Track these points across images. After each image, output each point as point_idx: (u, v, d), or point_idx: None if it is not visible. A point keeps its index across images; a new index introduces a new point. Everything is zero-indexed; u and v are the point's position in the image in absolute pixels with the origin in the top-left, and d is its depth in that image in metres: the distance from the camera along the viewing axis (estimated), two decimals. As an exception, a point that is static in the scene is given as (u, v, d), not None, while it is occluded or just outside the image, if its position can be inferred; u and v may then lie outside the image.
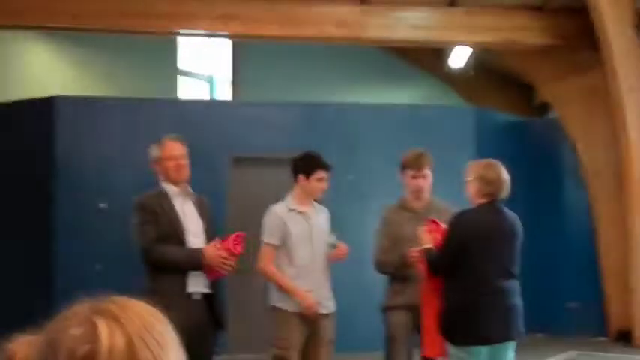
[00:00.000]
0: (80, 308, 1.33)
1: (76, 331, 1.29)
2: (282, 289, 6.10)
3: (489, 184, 5.42)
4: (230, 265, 5.70)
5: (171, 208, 5.83)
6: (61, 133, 9.84)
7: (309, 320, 6.09)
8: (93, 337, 1.28)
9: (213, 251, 5.67)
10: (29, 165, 10.00)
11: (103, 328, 1.29)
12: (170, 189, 5.89)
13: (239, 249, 5.69)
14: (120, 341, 1.28)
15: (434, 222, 5.76)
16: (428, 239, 5.62)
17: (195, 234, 5.86)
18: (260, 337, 9.54)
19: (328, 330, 6.21)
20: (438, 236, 5.60)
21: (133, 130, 9.84)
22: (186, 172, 5.94)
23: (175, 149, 5.93)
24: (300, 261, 6.12)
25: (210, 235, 5.88)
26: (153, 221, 5.76)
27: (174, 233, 5.78)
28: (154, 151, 5.96)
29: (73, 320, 1.31)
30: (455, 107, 13.03)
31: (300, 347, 6.09)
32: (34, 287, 9.82)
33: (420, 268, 5.75)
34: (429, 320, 5.60)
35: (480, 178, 5.46)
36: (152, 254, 5.73)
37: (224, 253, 5.66)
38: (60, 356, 1.28)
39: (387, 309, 6.29)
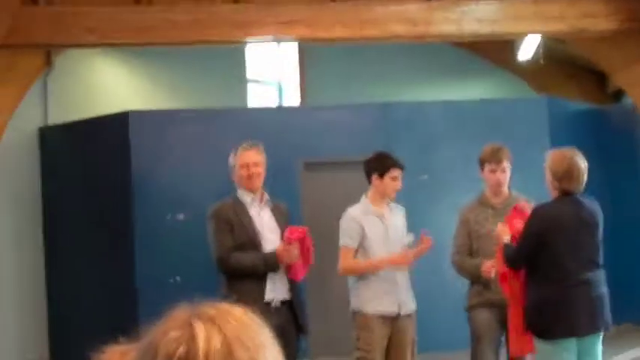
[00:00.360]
0: (179, 313, 1.38)
1: (174, 334, 1.34)
2: (371, 270, 6.09)
3: (562, 175, 5.36)
4: (295, 254, 5.78)
5: (247, 216, 5.87)
6: (136, 147, 9.98)
7: (391, 322, 6.11)
8: (190, 339, 1.32)
9: (281, 249, 5.74)
10: (107, 181, 10.16)
11: (201, 330, 1.33)
12: (245, 196, 5.93)
13: (295, 236, 5.81)
14: (216, 342, 1.32)
15: (517, 209, 5.72)
16: (506, 234, 5.57)
17: (272, 241, 5.91)
18: (342, 341, 9.53)
19: (410, 330, 6.22)
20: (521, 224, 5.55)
21: (206, 141, 9.94)
22: (258, 180, 5.96)
23: (247, 157, 5.96)
24: (379, 262, 6.14)
25: None
26: (227, 230, 5.80)
27: (250, 242, 5.82)
28: (230, 159, 6.02)
29: (171, 324, 1.36)
30: (527, 98, 12.84)
31: (383, 349, 6.10)
32: (116, 299, 9.98)
33: (500, 279, 5.73)
34: (515, 319, 5.54)
35: (552, 171, 5.40)
36: (228, 263, 5.78)
37: (286, 246, 5.74)
38: (158, 358, 1.32)
39: (470, 308, 6.27)
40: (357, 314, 6.16)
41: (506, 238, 5.54)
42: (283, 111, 12.19)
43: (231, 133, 9.93)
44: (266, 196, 6.04)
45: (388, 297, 6.11)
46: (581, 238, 5.36)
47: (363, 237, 6.13)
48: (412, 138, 10.42)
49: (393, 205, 6.40)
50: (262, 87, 14.04)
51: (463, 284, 6.45)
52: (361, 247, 6.14)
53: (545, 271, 5.31)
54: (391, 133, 10.39)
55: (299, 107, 13.20)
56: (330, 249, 6.33)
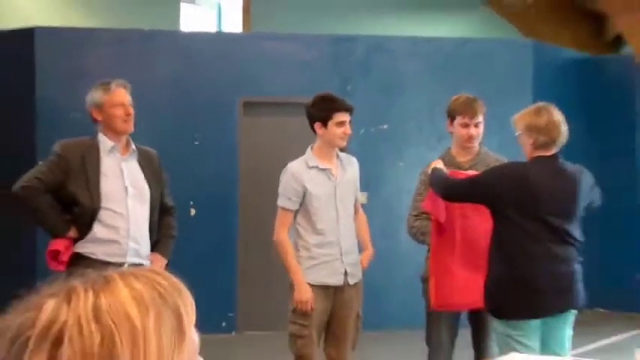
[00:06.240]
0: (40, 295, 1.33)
1: (21, 317, 1.29)
2: (294, 277, 6.13)
3: (540, 133, 5.35)
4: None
5: (97, 167, 5.84)
6: (43, 73, 9.83)
7: (334, 293, 6.16)
8: (34, 321, 1.27)
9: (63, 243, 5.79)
10: (2, 117, 10.08)
11: (48, 308, 1.28)
12: (107, 142, 5.89)
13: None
14: (58, 321, 1.26)
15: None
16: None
17: (140, 200, 5.90)
18: (273, 313, 9.62)
19: (355, 303, 6.26)
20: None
21: (128, 69, 9.67)
22: (132, 123, 5.95)
23: (124, 95, 5.94)
24: (325, 226, 6.17)
25: (157, 202, 6.01)
26: (62, 174, 5.76)
27: (87, 201, 5.77)
28: (96, 95, 5.92)
29: (24, 307, 1.31)
30: (510, 41, 12.79)
31: (322, 325, 6.17)
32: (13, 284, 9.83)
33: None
34: (437, 274, 5.88)
35: (527, 129, 5.42)
36: (29, 194, 5.74)
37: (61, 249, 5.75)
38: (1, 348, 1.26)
39: (427, 279, 6.22)
40: (294, 284, 6.15)
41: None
42: (221, 38, 12.08)
43: (157, 61, 9.90)
44: (132, 144, 6.01)
45: (331, 265, 6.16)
46: (553, 207, 5.36)
47: (306, 197, 6.14)
48: (372, 80, 10.50)
49: (343, 156, 6.36)
50: (198, 8, 13.96)
51: (419, 254, 6.57)
52: (305, 210, 6.17)
53: (508, 242, 5.38)
54: (347, 72, 10.46)
55: (241, 35, 13.18)
56: (271, 207, 6.38)
